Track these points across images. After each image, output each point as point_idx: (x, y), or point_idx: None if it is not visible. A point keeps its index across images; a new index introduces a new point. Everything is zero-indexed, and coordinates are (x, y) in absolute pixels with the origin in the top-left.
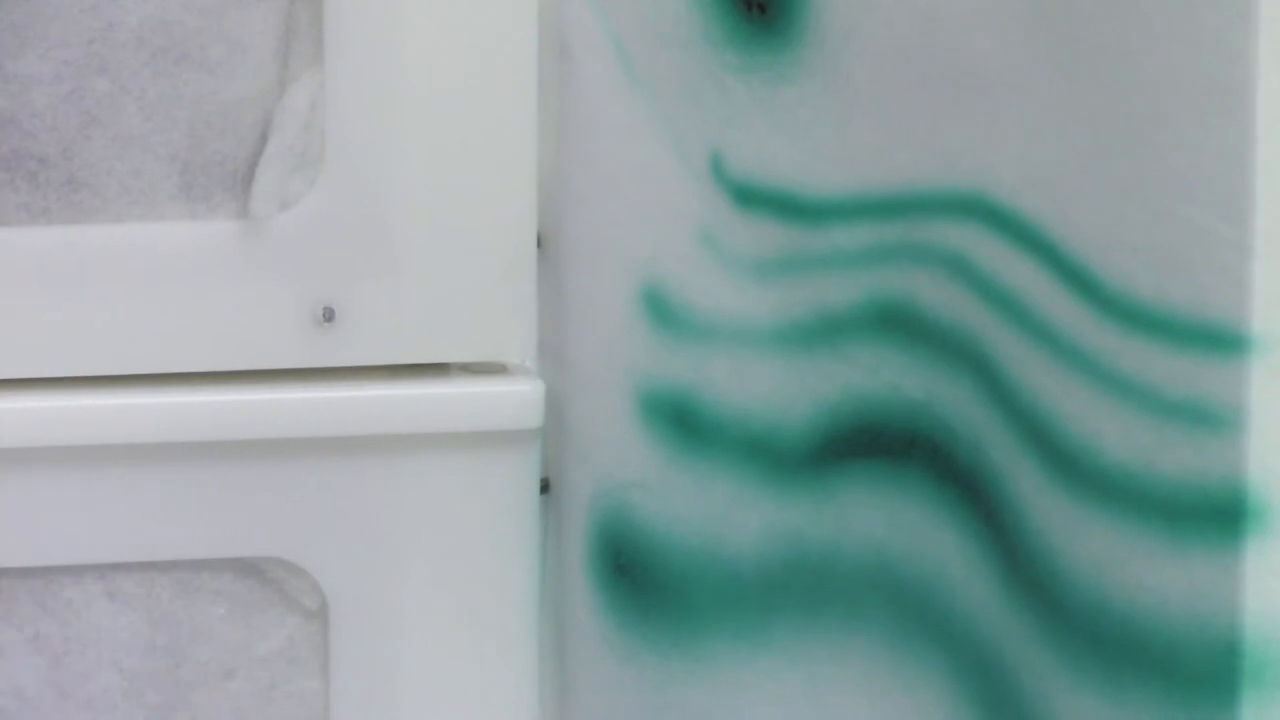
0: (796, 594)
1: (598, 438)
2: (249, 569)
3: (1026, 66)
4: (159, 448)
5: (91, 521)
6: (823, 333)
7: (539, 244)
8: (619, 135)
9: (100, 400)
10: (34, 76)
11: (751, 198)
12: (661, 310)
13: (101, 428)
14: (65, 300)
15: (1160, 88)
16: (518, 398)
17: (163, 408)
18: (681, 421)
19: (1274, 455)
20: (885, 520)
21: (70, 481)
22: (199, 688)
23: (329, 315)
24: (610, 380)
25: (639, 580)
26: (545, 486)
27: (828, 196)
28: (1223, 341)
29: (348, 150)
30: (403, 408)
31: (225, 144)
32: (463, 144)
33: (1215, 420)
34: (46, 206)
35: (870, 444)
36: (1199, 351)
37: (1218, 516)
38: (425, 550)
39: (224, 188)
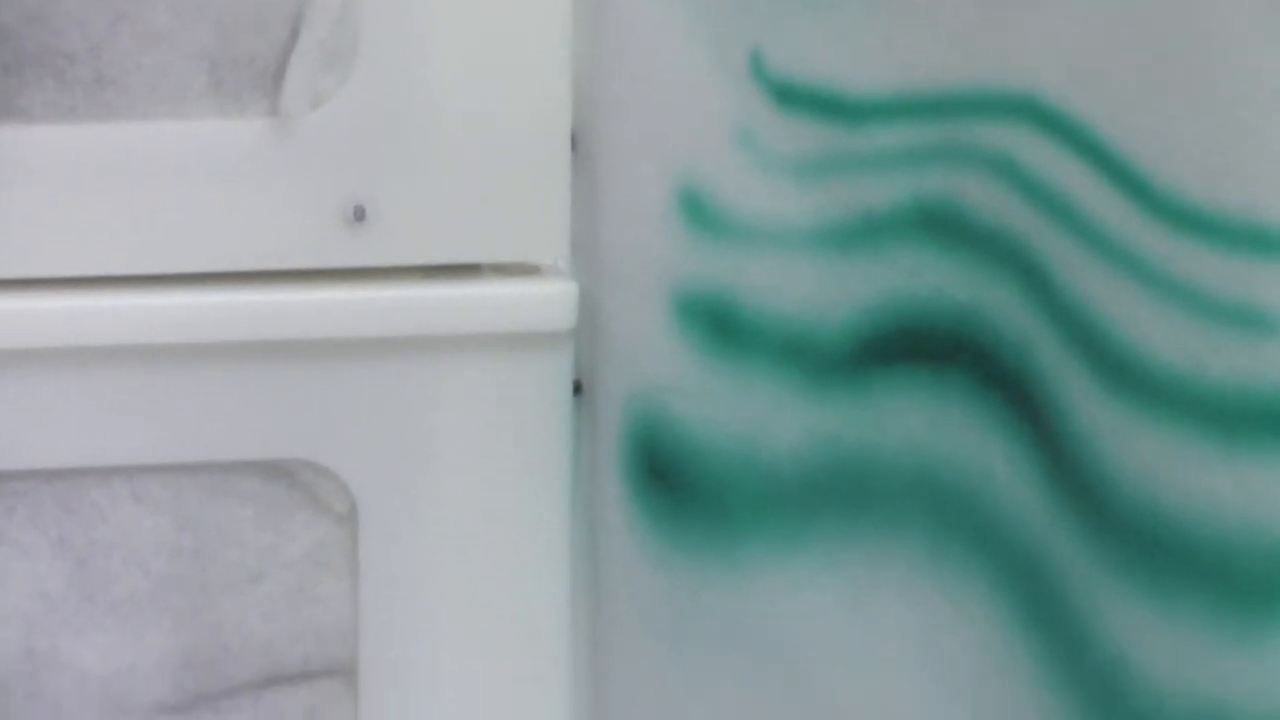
0: (835, 499)
1: (632, 340)
2: (277, 471)
3: None
4: (187, 348)
5: (118, 423)
6: (864, 235)
7: (573, 144)
8: (655, 32)
9: (127, 300)
10: None
11: (792, 97)
12: (698, 211)
13: (129, 328)
14: (92, 199)
15: None
16: (550, 299)
17: (190, 308)
18: (718, 324)
19: None
20: (927, 425)
21: (96, 383)
22: (226, 591)
23: (360, 214)
24: (645, 282)
25: (673, 485)
26: (578, 389)
27: (871, 96)
28: (1276, 244)
29: (380, 47)
30: (434, 308)
31: (255, 41)
32: (497, 42)
33: (1268, 324)
34: (74, 104)
35: (912, 347)
36: (1251, 254)
37: (1271, 422)
38: (455, 453)
39: (254, 85)
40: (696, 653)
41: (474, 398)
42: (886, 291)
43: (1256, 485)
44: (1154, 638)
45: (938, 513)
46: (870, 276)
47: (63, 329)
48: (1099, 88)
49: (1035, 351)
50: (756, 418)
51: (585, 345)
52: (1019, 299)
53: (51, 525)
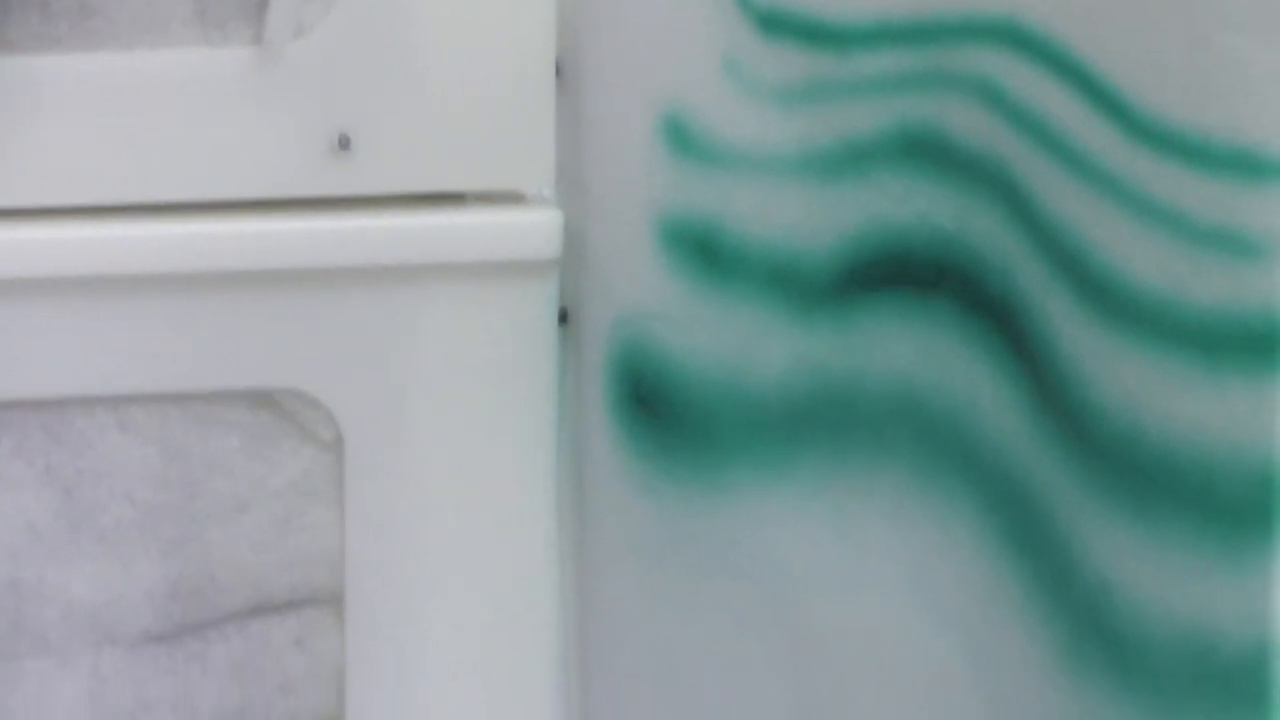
0: (821, 426)
1: (617, 268)
2: (263, 400)
3: None
4: (172, 278)
5: (103, 352)
6: (849, 161)
7: (558, 72)
8: None
9: (112, 230)
10: None
11: (776, 24)
12: (683, 138)
13: (114, 257)
14: (77, 129)
15: None
16: (535, 227)
17: (176, 237)
18: (703, 251)
19: None
20: (912, 351)
21: (81, 312)
22: (213, 520)
23: (344, 143)
24: (630, 210)
25: (659, 412)
26: (563, 317)
27: (854, 22)
28: (1259, 168)
29: None
30: (419, 237)
31: None
32: None
33: (1251, 248)
34: (59, 35)
35: (897, 274)
36: (1234, 178)
37: (1254, 345)
38: (441, 381)
39: (238, 14)
40: (682, 578)
41: (459, 326)
42: (871, 218)
43: (1239, 408)
44: (1139, 562)
45: (924, 439)
46: (855, 203)
47: (48, 259)
48: (1081, 11)
49: (1019, 276)
50: (742, 345)
51: (570, 273)
52: (1003, 224)
53: (38, 455)
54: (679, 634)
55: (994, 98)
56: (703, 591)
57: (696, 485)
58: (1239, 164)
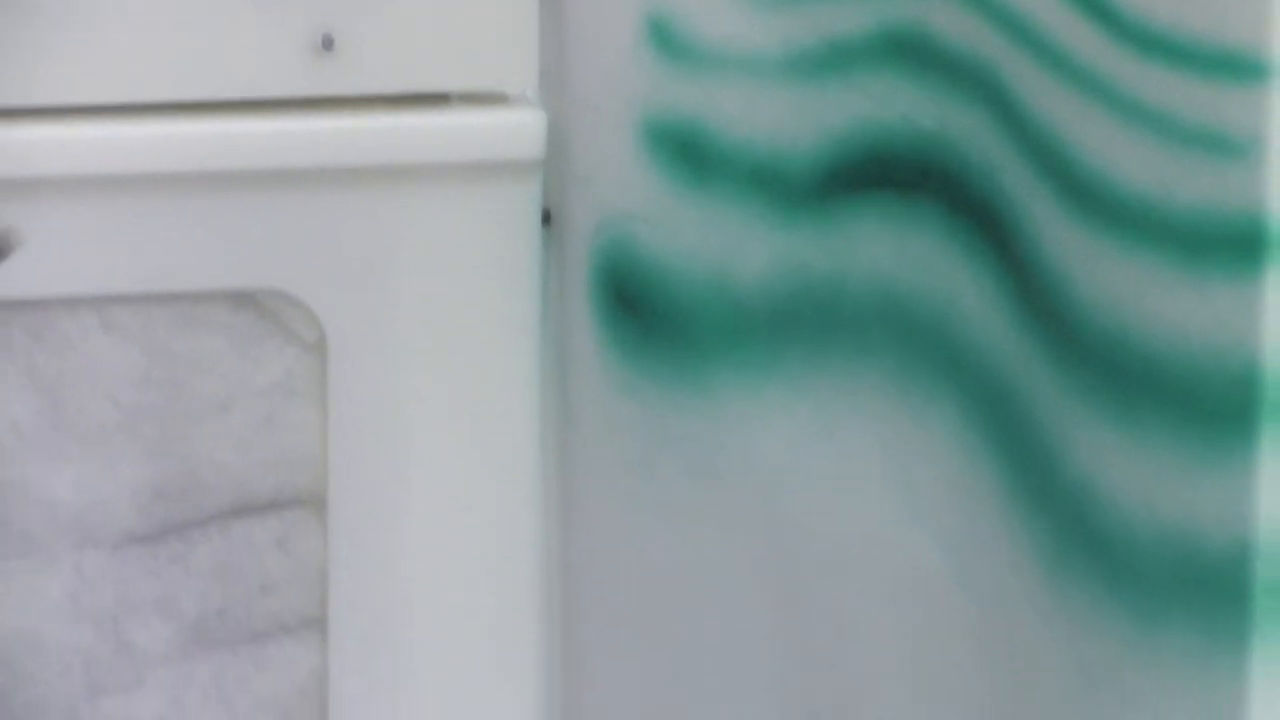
0: (804, 327)
1: (600, 169)
2: (246, 301)
3: None
4: (155, 178)
5: (87, 253)
6: (832, 62)
7: None
8: None
9: (96, 130)
10: None
11: None
12: (667, 39)
13: (96, 157)
14: (59, 29)
15: None
16: (519, 128)
17: (158, 137)
18: (686, 153)
19: None
20: (895, 252)
21: (65, 213)
22: (196, 420)
23: (328, 43)
24: (614, 110)
25: (642, 313)
26: (547, 218)
27: None
28: (1243, 68)
29: None
30: (402, 138)
31: None
32: None
33: (1235, 148)
34: None
35: (880, 175)
36: (1219, 78)
37: (1238, 246)
38: (424, 282)
39: None
40: (667, 479)
41: (443, 226)
42: (855, 119)
43: (1222, 309)
44: (1121, 462)
45: (906, 340)
46: (838, 104)
47: (30, 159)
48: None
49: (1003, 177)
50: (725, 246)
51: (554, 175)
52: (986, 125)
53: (21, 355)
54: (663, 536)
55: None
56: (687, 493)
57: (680, 387)
58: (1224, 65)
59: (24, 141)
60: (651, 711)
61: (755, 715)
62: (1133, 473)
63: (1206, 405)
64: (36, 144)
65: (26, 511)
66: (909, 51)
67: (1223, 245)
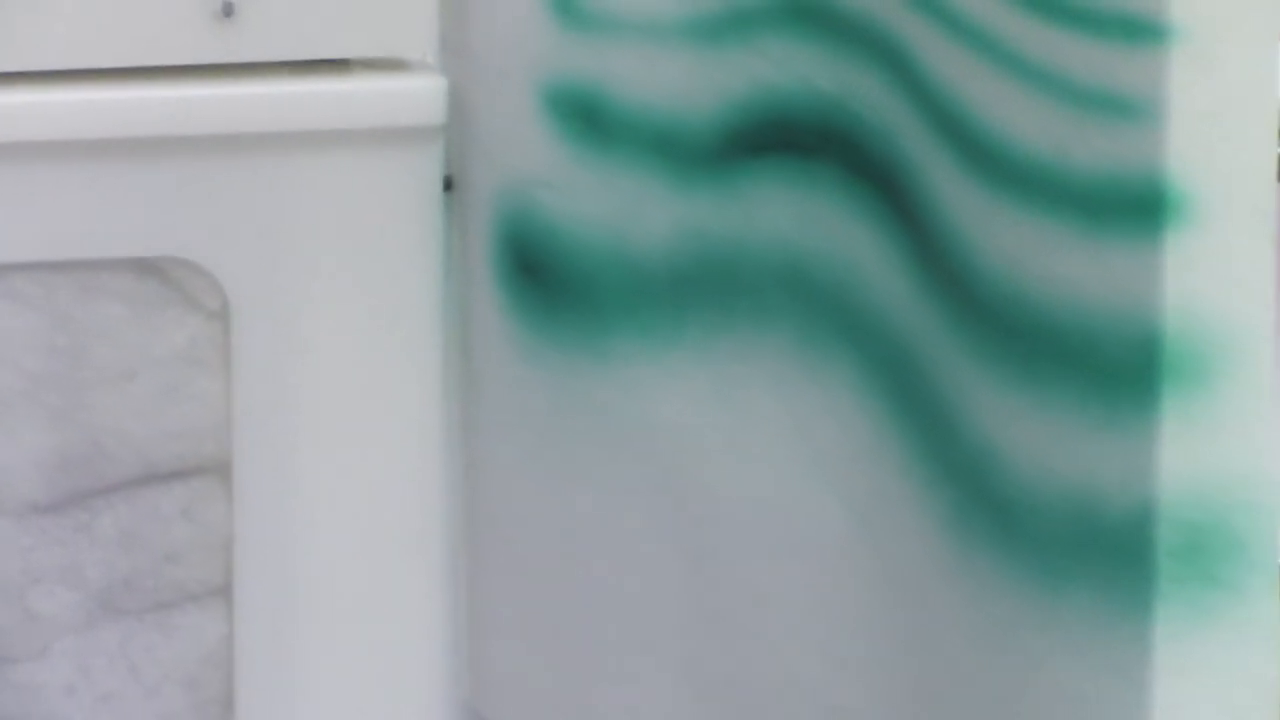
0: (704, 293)
1: (501, 135)
2: (149, 269)
3: None
4: (55, 145)
5: None
6: (732, 24)
7: None
8: None
9: None
10: None
11: None
12: (567, 3)
13: None
14: None
15: None
16: (419, 94)
17: (59, 104)
18: (587, 117)
19: (1194, 147)
20: (795, 217)
21: None
22: (100, 388)
23: (228, 10)
24: (514, 75)
25: (544, 279)
26: (448, 184)
27: None
28: (1141, 30)
29: None
30: (303, 104)
31: None
32: None
33: (1133, 110)
34: None
35: (779, 139)
36: (1117, 40)
37: (1136, 208)
38: (327, 249)
39: None
40: (571, 445)
41: (345, 193)
42: (754, 82)
43: (1120, 272)
44: (1022, 425)
45: (807, 304)
46: (738, 67)
47: None
48: None
49: (902, 140)
50: (625, 211)
51: (455, 140)
52: (885, 88)
53: None
54: (569, 501)
55: None
56: (592, 457)
57: (583, 353)
58: (1122, 27)
59: None
60: (559, 676)
61: (662, 676)
62: (1033, 435)
63: (1106, 368)
64: None
65: None
66: (808, 15)
67: (1121, 208)
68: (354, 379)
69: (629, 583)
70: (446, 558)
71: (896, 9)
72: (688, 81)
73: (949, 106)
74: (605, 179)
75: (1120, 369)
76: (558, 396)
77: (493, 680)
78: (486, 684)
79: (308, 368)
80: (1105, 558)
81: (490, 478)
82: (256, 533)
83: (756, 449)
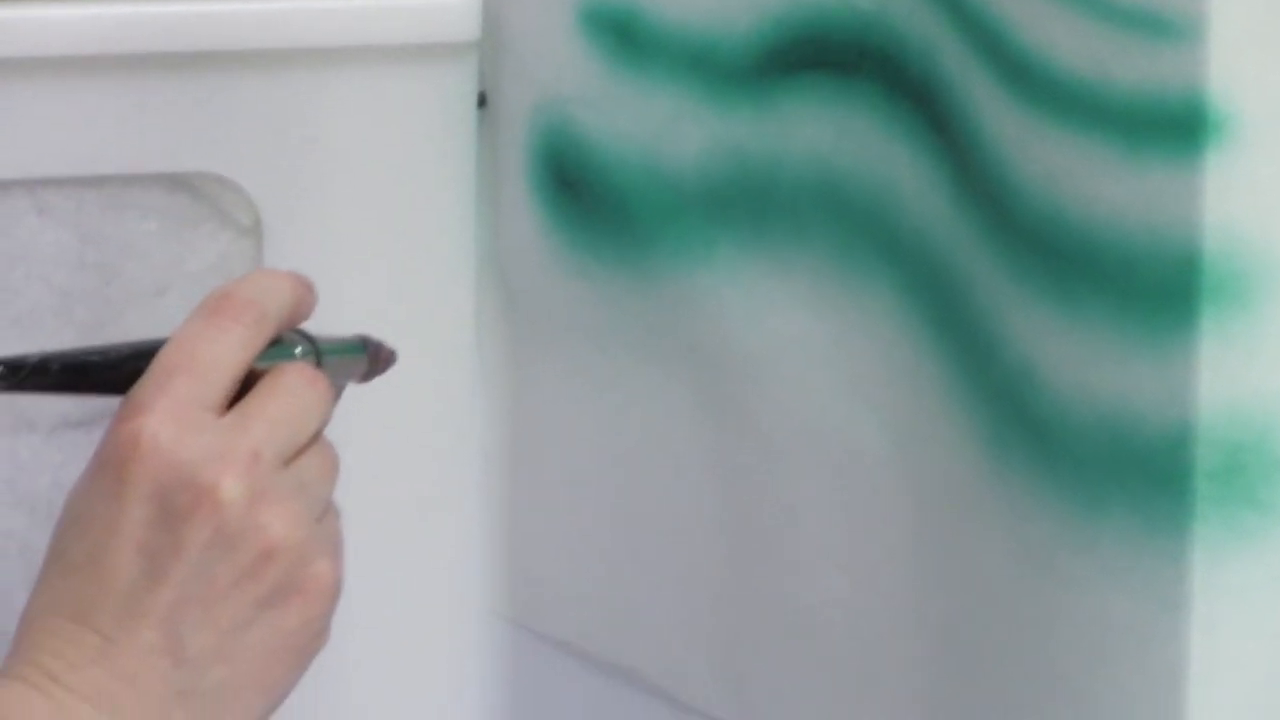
0: (739, 210)
1: (537, 50)
2: (181, 184)
3: None
4: (88, 60)
5: (19, 136)
6: None
7: None
8: None
9: (24, 12)
10: None
11: None
12: None
13: (27, 39)
14: None
15: None
16: (454, 8)
17: (91, 19)
18: (622, 33)
19: (1235, 65)
20: (832, 134)
21: None
22: (130, 304)
23: None
24: None
25: (582, 196)
26: (482, 101)
27: None
28: None
29: None
30: (336, 19)
31: None
32: None
33: (1173, 29)
34: None
35: (816, 56)
36: None
37: (1176, 128)
38: (360, 165)
39: None
40: (615, 358)
41: (378, 110)
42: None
43: (1160, 191)
44: (1060, 345)
45: (844, 223)
46: None
47: None
48: None
49: (940, 58)
50: (661, 129)
51: (490, 56)
52: (923, 4)
53: None
54: (614, 416)
55: None
56: (634, 373)
57: (623, 268)
58: None
59: None
60: (600, 588)
61: (697, 596)
62: (1071, 356)
63: (1145, 288)
64: None
65: None
66: None
67: (1161, 127)
68: (386, 295)
69: (670, 498)
70: (482, 472)
71: None
72: None
73: (988, 24)
74: (641, 96)
75: (1159, 289)
76: (601, 311)
77: (535, 593)
78: (529, 596)
79: (339, 284)
80: (1143, 479)
81: (535, 391)
82: None
83: (793, 369)
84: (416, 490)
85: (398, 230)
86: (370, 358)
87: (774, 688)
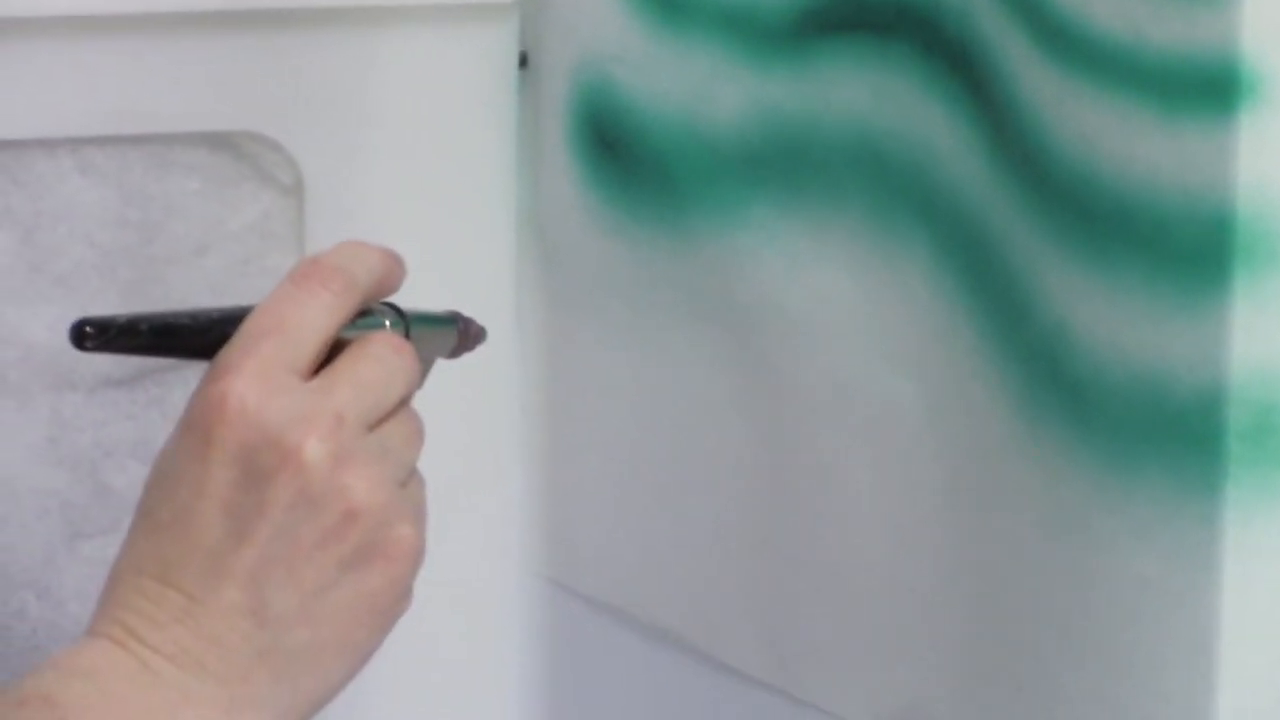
0: (777, 169)
1: (577, 10)
2: (223, 143)
3: None
4: (132, 19)
5: (62, 94)
6: None
7: None
8: None
9: None
10: None
11: None
12: None
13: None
14: None
15: None
16: None
17: None
18: None
19: (1269, 27)
20: (869, 95)
21: (40, 53)
22: (172, 262)
23: None
24: None
25: (621, 155)
26: (523, 61)
27: None
28: None
29: None
30: None
31: None
32: None
33: None
34: None
35: (854, 16)
36: None
37: (1210, 89)
38: (402, 125)
39: None
40: (654, 317)
41: (420, 70)
42: None
43: (1193, 154)
44: (1093, 305)
45: (880, 183)
46: None
47: (5, 1)
48: None
49: (977, 19)
50: (700, 88)
51: (531, 16)
52: None
53: None
54: (654, 376)
55: None
56: (673, 332)
57: (662, 228)
58: None
59: None
60: (639, 547)
61: (733, 555)
62: (1105, 316)
63: (1178, 248)
64: None
65: (3, 353)
66: None
67: (1195, 88)
68: (427, 254)
69: (707, 458)
70: (521, 431)
71: None
72: None
73: None
74: (680, 56)
75: (1192, 250)
76: (640, 270)
77: (574, 553)
78: (568, 556)
79: (380, 242)
80: (1175, 439)
81: (573, 350)
82: None
83: (828, 329)
84: (456, 450)
85: (438, 190)
86: (460, 333)
87: (809, 647)
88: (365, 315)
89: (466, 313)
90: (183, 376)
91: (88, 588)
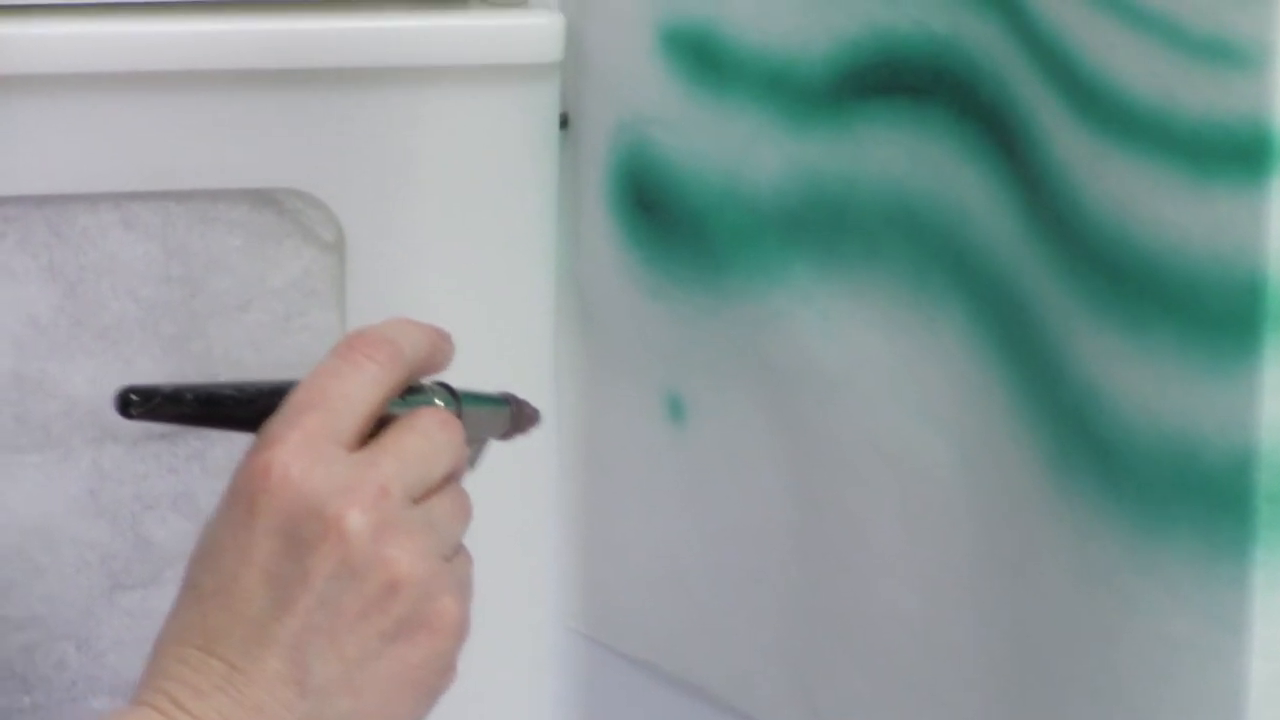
0: (814, 231)
1: (618, 72)
2: (266, 200)
3: None
4: (177, 76)
5: (108, 150)
6: None
7: None
8: None
9: (118, 27)
10: None
11: None
12: None
13: (118, 54)
14: None
15: None
16: (537, 30)
17: (181, 35)
18: (701, 55)
19: None
20: (905, 157)
21: (87, 109)
22: (214, 318)
23: None
24: (631, 13)
25: (661, 216)
26: (564, 122)
27: None
28: None
29: None
30: (422, 39)
31: None
32: None
33: (1241, 57)
34: None
35: (891, 80)
36: None
37: (1242, 154)
38: (443, 184)
39: None
40: (691, 377)
41: (462, 129)
42: (868, 23)
43: (1225, 218)
44: (1125, 367)
45: (916, 244)
46: (851, 8)
47: (54, 55)
48: None
49: (1012, 83)
50: (739, 150)
51: (572, 77)
52: (997, 30)
53: (42, 250)
54: (690, 435)
55: None
56: (711, 393)
57: (700, 288)
58: None
59: (49, 36)
60: (674, 602)
61: (768, 612)
62: (1136, 378)
63: (1210, 312)
64: (61, 39)
65: (46, 406)
66: None
67: (1227, 153)
68: (467, 314)
69: (743, 516)
70: (558, 488)
71: None
72: (801, 21)
73: (1059, 50)
74: (720, 118)
75: (1223, 313)
76: (677, 330)
77: (609, 608)
78: (602, 612)
79: (421, 302)
80: (1205, 502)
81: (610, 408)
82: None
83: (864, 388)
84: (493, 506)
85: (479, 248)
86: (514, 414)
87: (843, 702)
88: (416, 393)
89: (507, 370)
90: (224, 432)
91: (127, 639)
